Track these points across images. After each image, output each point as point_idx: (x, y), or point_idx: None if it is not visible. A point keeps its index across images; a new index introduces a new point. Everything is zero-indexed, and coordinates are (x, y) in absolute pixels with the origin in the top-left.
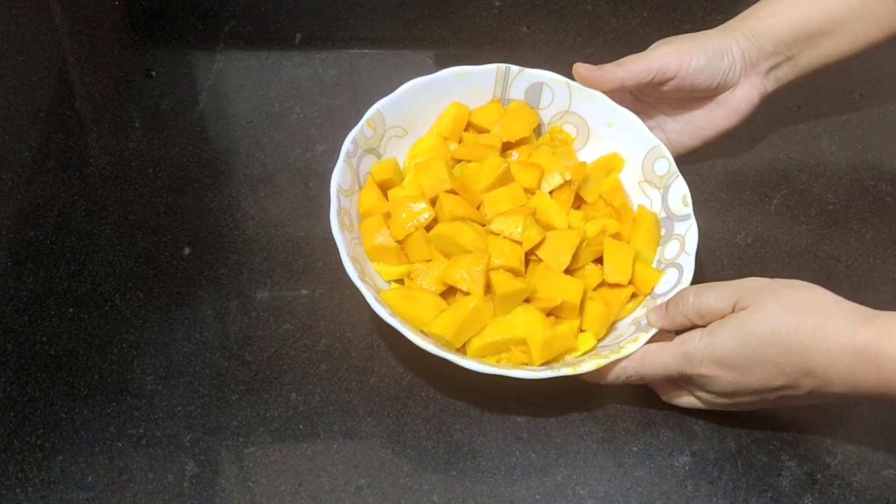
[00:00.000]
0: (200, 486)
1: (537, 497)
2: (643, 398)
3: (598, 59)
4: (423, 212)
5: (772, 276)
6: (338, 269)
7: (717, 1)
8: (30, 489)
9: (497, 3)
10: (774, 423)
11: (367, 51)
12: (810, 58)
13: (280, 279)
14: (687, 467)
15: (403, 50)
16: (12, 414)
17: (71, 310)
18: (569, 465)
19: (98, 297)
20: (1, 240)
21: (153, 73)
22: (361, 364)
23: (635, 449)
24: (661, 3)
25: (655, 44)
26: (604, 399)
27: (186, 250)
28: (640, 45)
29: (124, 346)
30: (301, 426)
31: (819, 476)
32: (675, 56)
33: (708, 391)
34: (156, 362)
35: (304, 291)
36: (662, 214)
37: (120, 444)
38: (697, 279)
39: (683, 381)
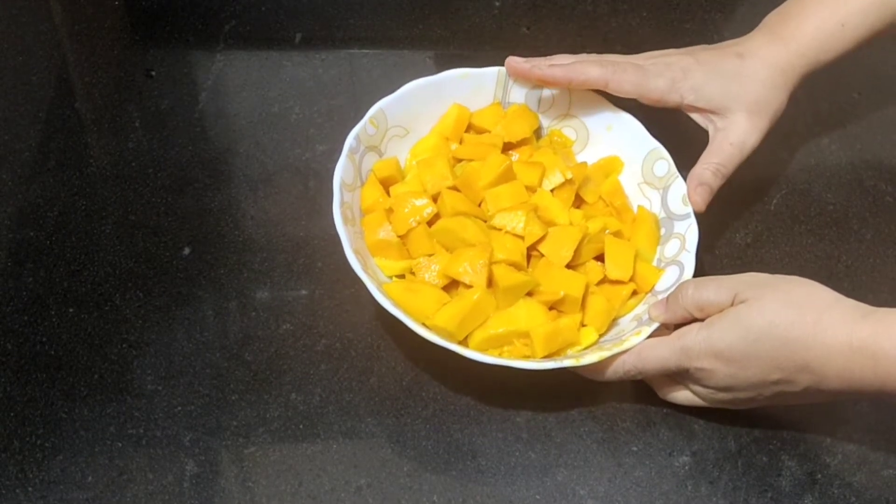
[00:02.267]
0: (200, 486)
1: (537, 497)
2: (643, 397)
3: None
4: (426, 207)
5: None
6: (338, 269)
7: (716, 1)
8: (30, 489)
9: (497, 3)
10: (774, 423)
11: (367, 51)
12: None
13: (280, 279)
14: (687, 467)
15: (403, 50)
16: (12, 414)
17: (71, 310)
18: (569, 465)
19: (98, 297)
20: (1, 240)
21: (153, 73)
22: (361, 364)
23: (635, 449)
24: (661, 3)
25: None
26: (604, 398)
27: (186, 250)
28: (640, 45)
29: (124, 346)
30: (301, 426)
31: (819, 476)
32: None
33: (705, 386)
34: (156, 362)
35: (304, 291)
36: (662, 215)
37: (120, 444)
38: (696, 277)
39: (681, 376)
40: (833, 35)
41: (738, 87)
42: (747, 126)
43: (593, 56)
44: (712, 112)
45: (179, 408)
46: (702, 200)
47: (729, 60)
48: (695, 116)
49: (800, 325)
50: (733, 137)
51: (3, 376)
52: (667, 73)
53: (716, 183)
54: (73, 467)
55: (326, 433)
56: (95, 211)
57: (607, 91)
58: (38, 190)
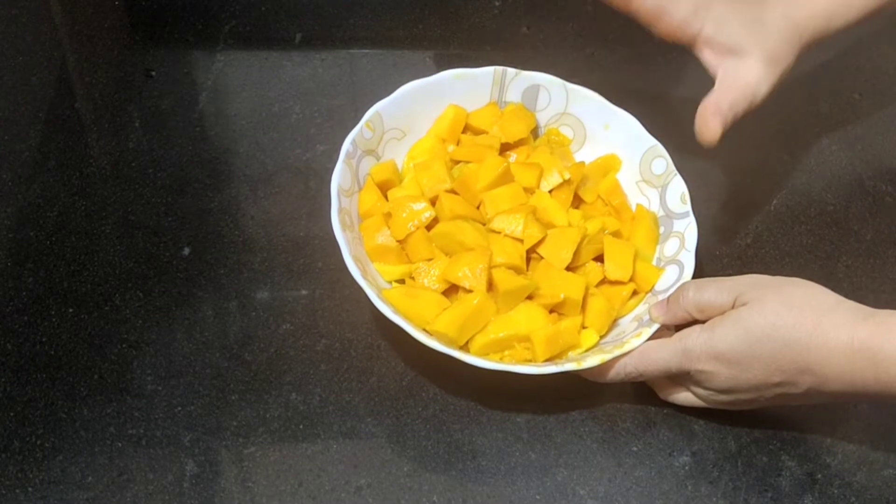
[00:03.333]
0: (200, 486)
1: (537, 497)
2: (643, 397)
3: (598, 59)
4: (424, 211)
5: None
6: (338, 269)
7: None
8: (30, 489)
9: (497, 4)
10: (774, 423)
11: (367, 51)
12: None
13: (280, 279)
14: (687, 467)
15: (403, 50)
16: (12, 414)
17: (71, 310)
18: (569, 465)
19: (98, 297)
20: (1, 240)
21: (153, 73)
22: (361, 364)
23: (635, 449)
24: None
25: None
26: (604, 398)
27: (186, 250)
28: (640, 46)
29: (124, 346)
30: (301, 426)
31: (819, 476)
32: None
33: (706, 388)
34: (156, 362)
35: (304, 291)
36: (661, 213)
37: (120, 444)
38: (697, 279)
39: (682, 378)
40: (844, 2)
41: (759, 32)
42: (761, 73)
43: None
44: (728, 51)
45: (179, 408)
46: (713, 132)
47: (750, 5)
48: (706, 55)
49: (801, 327)
50: (749, 79)
51: (3, 376)
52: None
53: (729, 116)
54: (73, 467)
55: (326, 433)
56: (95, 211)
57: (630, 8)
58: (38, 190)
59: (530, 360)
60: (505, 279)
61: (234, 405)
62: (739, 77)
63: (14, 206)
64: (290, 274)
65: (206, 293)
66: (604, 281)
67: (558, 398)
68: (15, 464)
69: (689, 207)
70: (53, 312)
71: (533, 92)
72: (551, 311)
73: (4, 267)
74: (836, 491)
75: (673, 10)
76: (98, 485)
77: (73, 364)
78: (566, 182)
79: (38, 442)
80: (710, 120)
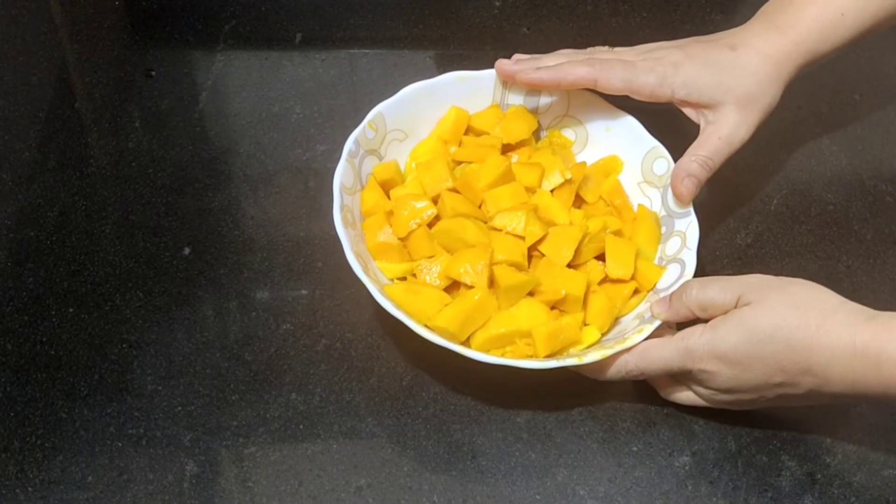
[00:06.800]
0: (200, 486)
1: (537, 497)
2: (643, 397)
3: None
4: (426, 209)
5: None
6: (338, 269)
7: (717, 1)
8: (30, 489)
9: (497, 4)
10: (774, 423)
11: (367, 51)
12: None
13: (280, 279)
14: (687, 467)
15: (403, 50)
16: (12, 414)
17: (71, 310)
18: (569, 465)
19: (98, 297)
20: (1, 240)
21: (153, 73)
22: (361, 364)
23: (635, 449)
24: (661, 4)
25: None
26: (604, 398)
27: (186, 250)
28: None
29: (124, 346)
30: (301, 426)
31: (819, 476)
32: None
33: (707, 387)
34: (156, 362)
35: (304, 291)
36: (662, 213)
37: (120, 444)
38: (701, 277)
39: (683, 377)
40: (832, 25)
41: (730, 80)
42: (737, 119)
43: (582, 54)
44: (703, 106)
45: (179, 408)
46: (688, 192)
47: (721, 52)
48: (686, 111)
49: (803, 328)
50: (722, 131)
51: (3, 376)
52: (657, 68)
53: (703, 175)
54: (73, 467)
55: (326, 433)
56: (95, 211)
57: (597, 89)
58: (38, 190)
59: (531, 357)
60: (506, 275)
61: (234, 405)
62: (716, 130)
63: (14, 206)
64: (290, 274)
65: (206, 293)
66: (605, 279)
67: (559, 397)
68: (15, 464)
69: (690, 206)
70: (53, 312)
71: (534, 94)
72: (552, 308)
73: (4, 267)
74: (836, 491)
75: (639, 86)
76: (98, 485)
77: (73, 364)
78: (567, 182)
79: (38, 442)
80: (684, 183)
